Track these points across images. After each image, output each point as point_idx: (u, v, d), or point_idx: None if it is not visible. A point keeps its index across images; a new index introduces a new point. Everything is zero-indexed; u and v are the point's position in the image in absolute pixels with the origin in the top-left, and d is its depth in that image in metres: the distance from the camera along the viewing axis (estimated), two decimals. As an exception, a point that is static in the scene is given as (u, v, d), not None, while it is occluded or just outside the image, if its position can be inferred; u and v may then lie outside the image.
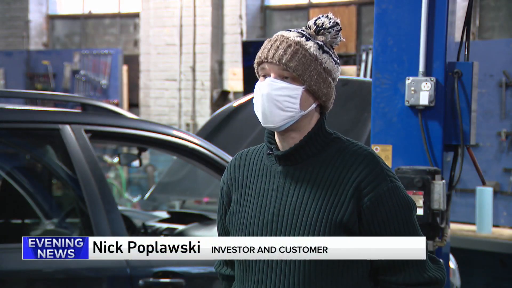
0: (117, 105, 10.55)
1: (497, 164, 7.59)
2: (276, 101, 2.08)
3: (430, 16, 3.67)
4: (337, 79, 2.17)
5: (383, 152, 3.77)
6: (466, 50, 3.77)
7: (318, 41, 2.12)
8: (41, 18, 12.70)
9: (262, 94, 2.09)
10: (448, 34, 3.69)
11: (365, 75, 8.72)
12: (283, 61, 2.07)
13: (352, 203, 2.06)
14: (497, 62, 7.54)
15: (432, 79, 3.65)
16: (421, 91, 3.66)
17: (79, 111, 4.06)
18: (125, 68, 11.45)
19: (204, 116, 10.62)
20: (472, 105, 3.68)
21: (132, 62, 11.60)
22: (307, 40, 2.10)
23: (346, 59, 9.81)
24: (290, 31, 2.14)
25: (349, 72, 9.37)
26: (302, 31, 2.13)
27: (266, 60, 2.10)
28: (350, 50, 9.86)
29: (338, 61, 2.17)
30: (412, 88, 3.68)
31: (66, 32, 12.79)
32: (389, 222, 2.08)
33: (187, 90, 10.89)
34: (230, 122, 5.90)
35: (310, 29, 2.15)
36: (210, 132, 5.89)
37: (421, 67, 3.67)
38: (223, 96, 10.69)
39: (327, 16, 2.15)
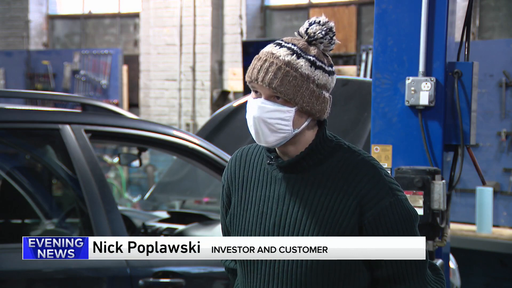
0: (117, 105, 10.55)
1: (497, 164, 7.59)
2: (267, 123, 2.04)
3: (430, 16, 3.67)
4: (333, 85, 2.10)
5: (383, 152, 3.77)
6: (466, 50, 3.77)
7: (309, 56, 2.05)
8: (41, 18, 12.69)
9: (253, 116, 2.06)
10: (448, 34, 3.69)
11: (365, 75, 8.72)
12: (273, 85, 2.02)
13: (354, 217, 2.05)
14: (497, 62, 7.54)
15: (432, 79, 3.65)
16: (421, 91, 3.66)
17: (79, 111, 4.06)
18: (125, 68, 11.45)
19: (204, 116, 10.62)
20: (472, 105, 3.68)
21: (132, 62, 11.60)
22: (298, 58, 2.03)
23: (346, 59, 9.81)
24: (281, 45, 2.06)
25: (349, 72, 9.37)
26: (292, 46, 2.05)
27: (256, 81, 2.05)
28: (350, 50, 9.86)
29: (333, 69, 2.10)
30: (412, 88, 3.67)
31: (66, 32, 12.78)
32: (390, 234, 2.06)
33: (187, 90, 10.89)
34: (230, 122, 5.90)
35: (302, 37, 2.08)
36: (210, 132, 5.89)
37: (421, 67, 3.67)
38: (223, 96, 10.69)
39: (319, 22, 2.08)
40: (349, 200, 2.05)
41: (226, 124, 5.92)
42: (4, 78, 12.18)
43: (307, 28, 2.08)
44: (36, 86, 11.84)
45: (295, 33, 2.11)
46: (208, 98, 10.73)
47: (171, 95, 11.02)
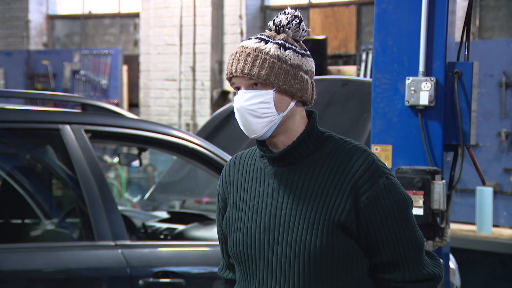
0: (117, 105, 10.55)
1: (497, 164, 7.59)
2: (251, 110, 2.08)
3: (430, 16, 3.67)
4: (313, 70, 2.15)
5: (383, 152, 3.77)
6: (466, 50, 3.77)
7: (277, 41, 2.10)
8: (41, 18, 12.70)
9: (237, 108, 2.11)
10: (448, 34, 3.69)
11: (365, 75, 8.72)
12: (245, 71, 2.07)
13: (349, 202, 2.06)
14: (497, 62, 7.54)
15: (432, 79, 3.65)
16: (421, 91, 3.66)
17: (79, 111, 4.06)
18: (125, 68, 11.45)
19: (204, 116, 10.62)
20: (472, 105, 3.68)
21: (132, 62, 11.60)
22: (265, 44, 2.10)
23: (346, 59, 9.81)
24: (250, 39, 2.14)
25: (349, 72, 9.37)
26: (260, 36, 2.13)
27: (232, 75, 2.11)
28: (350, 50, 9.86)
29: (307, 52, 2.15)
30: (412, 88, 3.68)
31: (66, 32, 12.79)
32: (387, 219, 2.08)
33: (187, 90, 10.89)
34: (230, 122, 5.90)
35: (271, 30, 2.15)
36: (210, 132, 5.89)
37: (421, 67, 3.67)
38: (223, 96, 10.69)
39: (284, 12, 2.15)
40: (343, 185, 2.07)
41: (226, 124, 5.92)
42: (4, 78, 12.18)
43: (274, 19, 2.15)
44: (36, 86, 11.84)
45: (266, 29, 2.18)
46: (208, 98, 10.74)
47: (171, 95, 11.02)
